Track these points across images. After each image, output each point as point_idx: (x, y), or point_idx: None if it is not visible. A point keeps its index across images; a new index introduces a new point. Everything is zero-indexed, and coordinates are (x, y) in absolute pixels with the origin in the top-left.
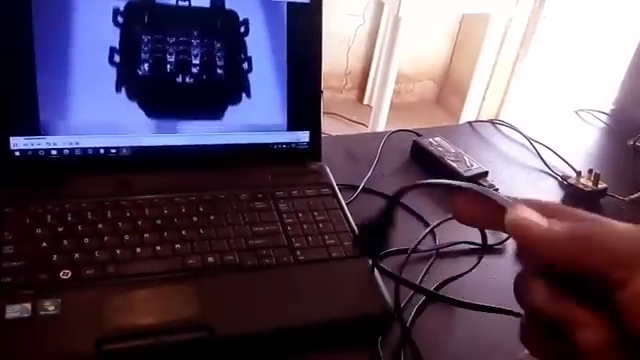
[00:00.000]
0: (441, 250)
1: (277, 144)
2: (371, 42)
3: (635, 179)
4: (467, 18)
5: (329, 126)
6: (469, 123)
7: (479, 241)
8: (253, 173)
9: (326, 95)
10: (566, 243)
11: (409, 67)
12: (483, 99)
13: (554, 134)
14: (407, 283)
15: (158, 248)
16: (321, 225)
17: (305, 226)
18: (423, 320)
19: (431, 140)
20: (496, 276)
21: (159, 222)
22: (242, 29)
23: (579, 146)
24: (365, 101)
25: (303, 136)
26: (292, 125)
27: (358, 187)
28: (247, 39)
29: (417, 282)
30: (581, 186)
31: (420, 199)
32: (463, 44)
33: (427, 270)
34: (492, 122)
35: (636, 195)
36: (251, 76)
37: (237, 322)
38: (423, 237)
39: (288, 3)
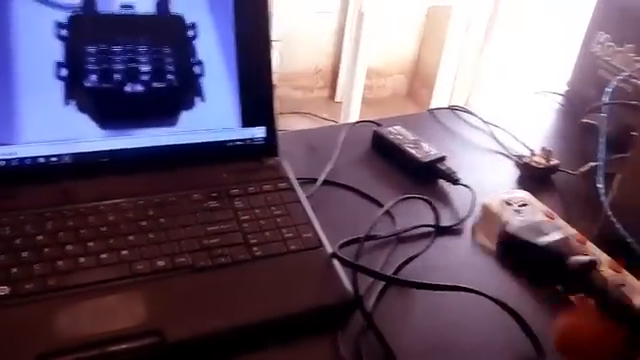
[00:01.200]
0: (402, 235)
1: (231, 141)
2: (339, 39)
3: (585, 154)
4: (432, 10)
5: (300, 125)
6: (429, 111)
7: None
8: (207, 172)
9: (297, 95)
10: None
11: (380, 62)
12: (452, 89)
13: (512, 117)
14: (364, 270)
15: (103, 256)
16: (279, 219)
17: (262, 222)
18: (385, 305)
19: (390, 129)
20: (454, 257)
21: (104, 229)
22: (190, 33)
23: (535, 127)
24: (337, 99)
25: (258, 132)
26: (246, 122)
27: (320, 180)
28: (196, 42)
29: (379, 268)
30: (534, 164)
31: (379, 185)
32: (430, 37)
33: (389, 256)
34: (451, 109)
35: (585, 168)
36: (204, 80)
37: (190, 324)
38: (375, 223)
39: (235, 1)
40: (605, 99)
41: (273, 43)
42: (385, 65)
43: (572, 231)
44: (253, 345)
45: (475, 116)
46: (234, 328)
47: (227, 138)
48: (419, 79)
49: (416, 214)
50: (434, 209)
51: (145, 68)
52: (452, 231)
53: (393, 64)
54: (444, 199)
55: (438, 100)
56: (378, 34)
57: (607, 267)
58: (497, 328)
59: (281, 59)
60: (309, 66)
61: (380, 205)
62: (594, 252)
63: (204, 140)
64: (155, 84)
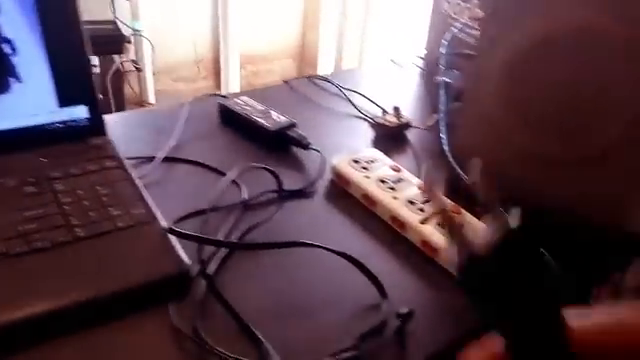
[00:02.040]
0: (249, 203)
1: (51, 124)
2: (216, 25)
3: (436, 109)
4: None
5: None
6: (285, 82)
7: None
8: (24, 158)
9: (180, 86)
10: None
11: (265, 47)
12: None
13: (372, 83)
14: (200, 239)
15: None
16: (105, 198)
17: (86, 202)
18: (229, 272)
19: (237, 100)
20: (304, 219)
21: None
22: None
23: (394, 90)
24: (222, 88)
25: (79, 112)
26: (64, 102)
27: (167, 158)
28: (1, 19)
29: (222, 237)
30: (387, 123)
31: (227, 158)
32: (310, 18)
33: (234, 225)
34: (309, 78)
35: (430, 121)
36: (17, 59)
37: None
38: (219, 194)
39: None
40: (442, 51)
41: (141, 33)
42: (271, 50)
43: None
44: (78, 326)
45: (332, 83)
46: (55, 310)
47: (46, 121)
48: (305, 62)
49: (265, 183)
50: (276, 176)
51: None
52: (302, 194)
53: (279, 49)
54: (296, 165)
55: None
56: (258, 19)
57: (450, 211)
58: (342, 279)
59: (155, 49)
60: (188, 56)
61: (220, 172)
62: (469, 221)
63: (21, 125)
64: None
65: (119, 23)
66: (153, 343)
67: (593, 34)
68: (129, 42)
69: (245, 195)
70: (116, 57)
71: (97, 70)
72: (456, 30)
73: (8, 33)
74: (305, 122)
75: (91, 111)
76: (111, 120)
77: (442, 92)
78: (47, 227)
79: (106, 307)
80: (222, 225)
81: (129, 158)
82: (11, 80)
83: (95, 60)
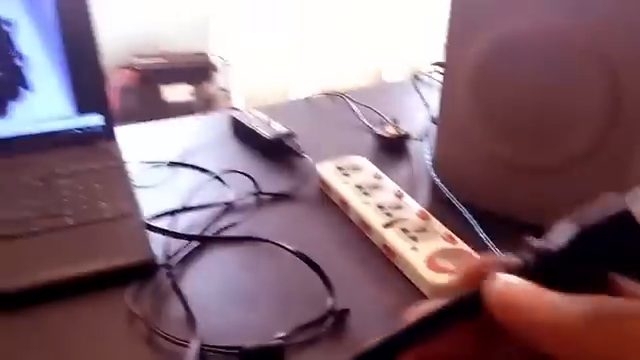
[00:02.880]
0: (234, 203)
1: (68, 130)
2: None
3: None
4: None
5: None
6: (306, 99)
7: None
8: (41, 157)
9: None
10: (589, 332)
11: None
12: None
13: (383, 99)
14: (168, 232)
15: None
16: (99, 193)
17: (82, 195)
18: (190, 265)
19: (247, 113)
20: (280, 221)
21: None
22: (6, 27)
23: (411, 103)
24: None
25: (94, 120)
26: (81, 111)
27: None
28: (15, 36)
29: (198, 233)
30: (385, 134)
31: (223, 158)
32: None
33: (211, 223)
34: (327, 95)
35: (422, 134)
36: (29, 71)
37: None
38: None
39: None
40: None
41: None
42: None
43: (415, 207)
44: (63, 297)
45: (344, 98)
46: (41, 283)
47: (65, 127)
48: None
49: (252, 186)
50: (252, 179)
51: None
52: (286, 198)
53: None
54: (289, 171)
55: None
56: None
57: (442, 239)
58: (297, 276)
59: (243, 76)
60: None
61: (220, 180)
62: (434, 227)
63: (42, 130)
64: None
65: (209, 54)
66: (107, 321)
67: (559, 39)
68: (216, 71)
69: (231, 196)
70: (207, 85)
71: (190, 98)
72: None
73: (23, 47)
74: (313, 133)
75: (105, 119)
76: (139, 128)
77: (425, 102)
78: (43, 215)
79: (72, 286)
80: (203, 222)
81: (144, 162)
82: (24, 91)
83: (187, 87)
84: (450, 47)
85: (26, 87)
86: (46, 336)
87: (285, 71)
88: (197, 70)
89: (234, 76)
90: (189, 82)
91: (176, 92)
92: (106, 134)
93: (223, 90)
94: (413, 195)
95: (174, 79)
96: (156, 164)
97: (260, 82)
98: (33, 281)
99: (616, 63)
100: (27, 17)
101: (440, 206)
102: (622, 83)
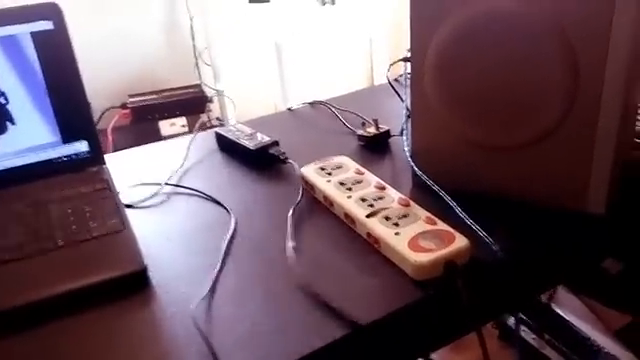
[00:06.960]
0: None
1: (56, 159)
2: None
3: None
4: None
5: None
6: (289, 109)
7: None
8: (32, 187)
9: None
10: None
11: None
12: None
13: (364, 103)
14: None
15: None
16: (88, 214)
17: (72, 217)
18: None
19: (230, 128)
20: None
21: None
22: None
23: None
24: None
25: (81, 146)
26: (67, 139)
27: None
28: None
29: None
30: (366, 134)
31: (209, 173)
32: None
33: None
34: (310, 103)
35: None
36: (11, 107)
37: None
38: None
39: (32, 33)
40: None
41: (222, 92)
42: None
43: (397, 196)
44: (66, 312)
45: (326, 106)
46: (41, 300)
47: (53, 156)
48: None
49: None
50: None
51: None
52: (273, 201)
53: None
54: (276, 177)
55: None
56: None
57: (424, 222)
58: None
59: (237, 106)
60: (269, 111)
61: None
62: (416, 212)
63: (32, 161)
64: None
65: (203, 86)
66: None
67: (516, 20)
68: (211, 102)
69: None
70: (202, 116)
71: (185, 129)
72: None
73: (3, 86)
74: (297, 140)
75: (91, 145)
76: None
77: (405, 91)
78: (36, 239)
79: (66, 302)
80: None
81: (139, 184)
82: (12, 125)
83: (183, 120)
84: (414, 38)
85: (10, 121)
86: (44, 351)
87: (277, 94)
88: (191, 102)
89: (229, 105)
90: (184, 114)
91: (172, 126)
92: (93, 159)
93: (218, 120)
94: (396, 186)
95: (169, 113)
96: (150, 185)
97: (255, 109)
98: (28, 299)
99: (572, 39)
100: (3, 51)
101: (421, 193)
102: (579, 58)
